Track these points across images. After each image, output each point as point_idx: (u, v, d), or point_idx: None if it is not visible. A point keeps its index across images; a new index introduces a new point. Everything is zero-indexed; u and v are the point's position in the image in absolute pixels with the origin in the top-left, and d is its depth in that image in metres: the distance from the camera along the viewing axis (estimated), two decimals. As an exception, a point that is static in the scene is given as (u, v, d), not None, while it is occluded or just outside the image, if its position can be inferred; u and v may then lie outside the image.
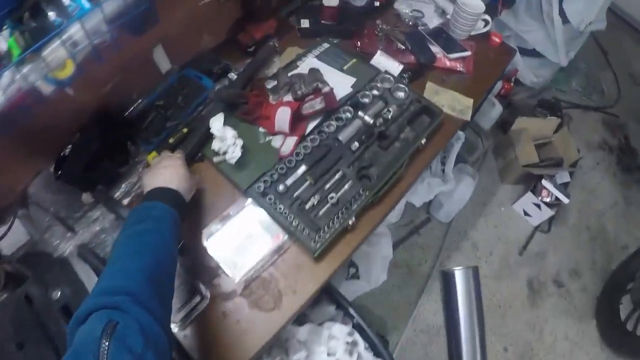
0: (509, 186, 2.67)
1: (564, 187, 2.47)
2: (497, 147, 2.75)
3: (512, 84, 2.70)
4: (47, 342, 0.93)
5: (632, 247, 2.56)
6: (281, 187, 1.12)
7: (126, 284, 0.68)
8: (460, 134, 2.01)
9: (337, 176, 1.16)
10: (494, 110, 2.47)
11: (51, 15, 0.87)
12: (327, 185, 1.15)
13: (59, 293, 0.96)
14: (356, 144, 1.21)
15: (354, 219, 1.11)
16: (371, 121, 1.25)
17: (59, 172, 1.15)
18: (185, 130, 1.23)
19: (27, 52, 0.82)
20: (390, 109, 1.29)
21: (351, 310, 1.44)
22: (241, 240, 1.09)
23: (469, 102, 1.41)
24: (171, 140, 1.20)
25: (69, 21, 0.86)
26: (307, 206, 1.11)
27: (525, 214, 2.53)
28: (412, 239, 2.41)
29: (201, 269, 1.08)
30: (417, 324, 2.17)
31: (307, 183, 1.14)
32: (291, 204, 1.11)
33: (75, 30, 0.87)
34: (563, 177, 2.56)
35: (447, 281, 0.64)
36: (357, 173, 1.18)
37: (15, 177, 1.14)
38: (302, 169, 1.16)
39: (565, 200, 2.35)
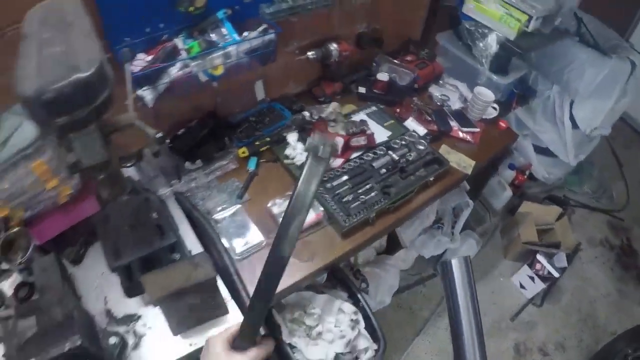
0: (510, 262, 3.01)
1: (561, 271, 2.72)
2: (505, 228, 3.16)
3: (525, 177, 3.03)
4: (154, 227, 1.22)
5: (622, 334, 2.69)
6: (328, 185, 1.63)
7: None
8: (470, 202, 2.42)
9: (367, 186, 1.66)
10: (505, 194, 2.88)
11: (212, 36, 1.47)
12: (359, 191, 1.64)
13: (156, 215, 1.26)
14: (384, 170, 1.72)
15: (374, 214, 1.58)
16: (397, 158, 1.76)
17: (172, 144, 1.67)
18: (268, 139, 1.78)
19: (203, 53, 1.42)
20: (412, 154, 1.80)
21: (359, 296, 1.77)
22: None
23: (472, 162, 1.90)
24: (257, 143, 1.75)
25: (225, 44, 1.45)
26: (344, 200, 1.60)
27: (521, 286, 2.84)
28: (418, 288, 2.78)
29: (265, 224, 1.54)
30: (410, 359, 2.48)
31: (346, 187, 1.65)
32: (333, 196, 1.60)
33: (231, 50, 1.46)
34: (561, 261, 2.80)
35: (445, 269, 0.97)
36: (381, 189, 1.67)
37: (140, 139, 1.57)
38: (345, 177, 1.67)
39: (556, 274, 2.65)
